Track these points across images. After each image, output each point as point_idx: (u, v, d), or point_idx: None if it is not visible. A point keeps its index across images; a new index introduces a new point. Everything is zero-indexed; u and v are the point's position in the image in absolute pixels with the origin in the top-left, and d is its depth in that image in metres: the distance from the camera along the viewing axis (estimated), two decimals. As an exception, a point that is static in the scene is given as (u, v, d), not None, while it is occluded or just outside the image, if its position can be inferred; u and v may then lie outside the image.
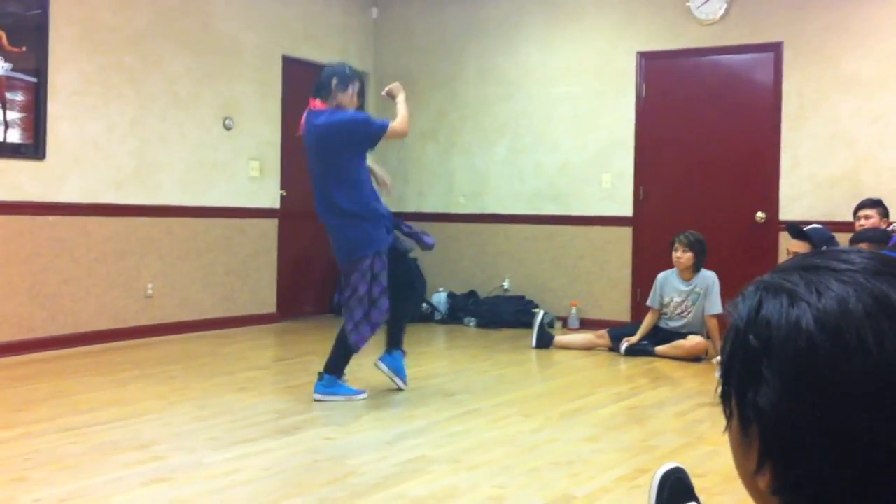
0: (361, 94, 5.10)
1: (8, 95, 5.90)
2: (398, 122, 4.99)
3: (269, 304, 7.90)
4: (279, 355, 6.60)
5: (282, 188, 8.04)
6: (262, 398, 4.91)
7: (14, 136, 5.97)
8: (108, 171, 6.53)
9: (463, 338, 7.39)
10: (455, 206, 8.55)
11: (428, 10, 8.65)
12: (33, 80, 6.04)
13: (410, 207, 8.76)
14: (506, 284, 8.23)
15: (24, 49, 5.98)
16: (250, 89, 7.67)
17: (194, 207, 7.21)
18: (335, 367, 4.87)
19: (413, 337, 7.34)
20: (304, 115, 4.91)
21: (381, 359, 5.06)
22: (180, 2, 7.06)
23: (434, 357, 6.65)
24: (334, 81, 4.88)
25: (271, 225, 7.92)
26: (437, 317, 8.16)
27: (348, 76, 4.96)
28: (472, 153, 8.47)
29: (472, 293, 8.27)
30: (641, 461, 3.77)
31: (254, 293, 7.75)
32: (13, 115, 5.93)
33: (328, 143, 4.78)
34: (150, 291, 6.84)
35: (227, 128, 7.48)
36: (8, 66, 5.89)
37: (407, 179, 8.80)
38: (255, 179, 7.77)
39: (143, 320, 6.81)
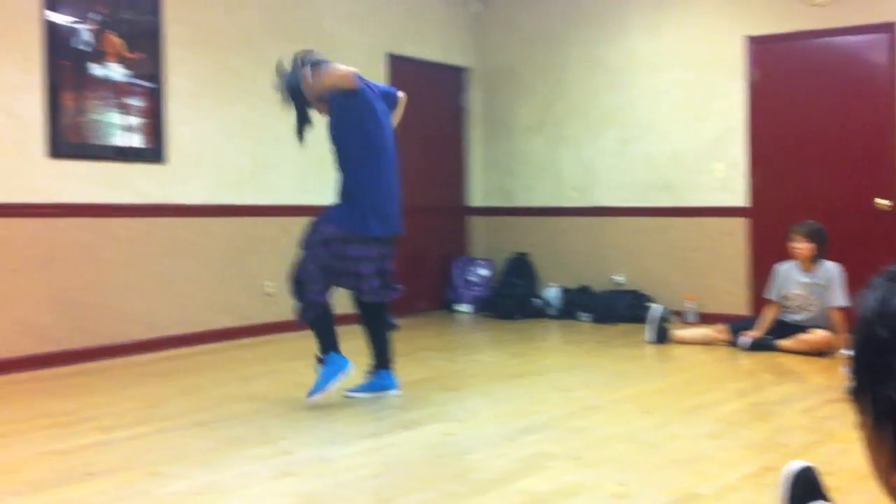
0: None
1: (127, 101, 6.12)
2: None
3: (382, 300, 7.98)
4: (396, 351, 6.66)
5: (392, 185, 8.11)
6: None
7: (136, 140, 6.18)
8: (225, 172, 6.71)
9: (577, 333, 7.34)
10: (564, 199, 8.49)
11: (530, 1, 8.61)
12: (150, 84, 6.23)
13: (519, 202, 8.75)
14: (619, 278, 8.14)
15: (141, 55, 6.18)
16: (359, 88, 7.75)
17: (308, 207, 7.33)
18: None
19: (527, 332, 7.38)
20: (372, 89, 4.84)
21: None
22: (287, 2, 7.19)
23: (549, 352, 6.63)
24: None
25: (383, 222, 7.99)
26: (551, 312, 8.13)
27: None
28: (580, 145, 8.40)
29: (584, 288, 8.20)
30: (768, 459, 3.68)
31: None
32: (134, 121, 6.14)
33: None
34: (269, 289, 7.01)
35: (337, 127, 7.57)
36: (128, 72, 6.10)
37: (514, 174, 8.78)
38: (366, 177, 7.84)
39: (265, 318, 6.98)
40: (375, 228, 4.64)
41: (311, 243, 4.68)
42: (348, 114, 4.65)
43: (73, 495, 3.23)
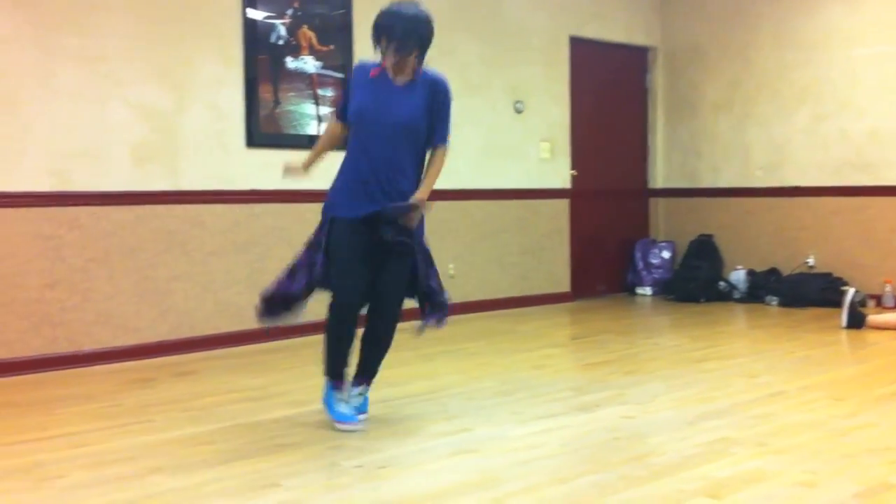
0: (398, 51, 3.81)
1: (319, 92, 6.38)
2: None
3: (562, 283, 8.00)
4: (574, 333, 6.67)
5: (572, 168, 8.10)
6: (560, 375, 4.99)
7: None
8: (409, 158, 6.88)
9: (764, 317, 7.10)
10: (752, 179, 8.22)
11: (719, -22, 8.35)
12: (340, 76, 6.47)
13: (704, 183, 8.54)
14: (810, 261, 7.81)
15: (331, 47, 6.42)
16: (539, 72, 7.78)
17: (489, 190, 7.44)
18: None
19: (710, 316, 7.19)
20: None
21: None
22: (472, -10, 7.29)
23: (734, 337, 6.45)
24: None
25: (563, 205, 8.00)
26: (736, 295, 7.90)
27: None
28: (769, 123, 8.10)
29: (773, 270, 7.92)
30: (971, 450, 3.47)
31: (548, 272, 7.89)
32: (325, 110, 6.40)
33: None
34: (451, 271, 7.15)
35: (518, 111, 7.64)
36: (319, 64, 6.36)
37: (700, 154, 8.56)
38: (546, 161, 7.87)
39: (446, 299, 7.12)
40: None
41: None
42: None
43: (263, 465, 3.42)
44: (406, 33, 3.82)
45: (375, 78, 3.89)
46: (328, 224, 3.86)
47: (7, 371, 5.04)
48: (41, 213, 5.21)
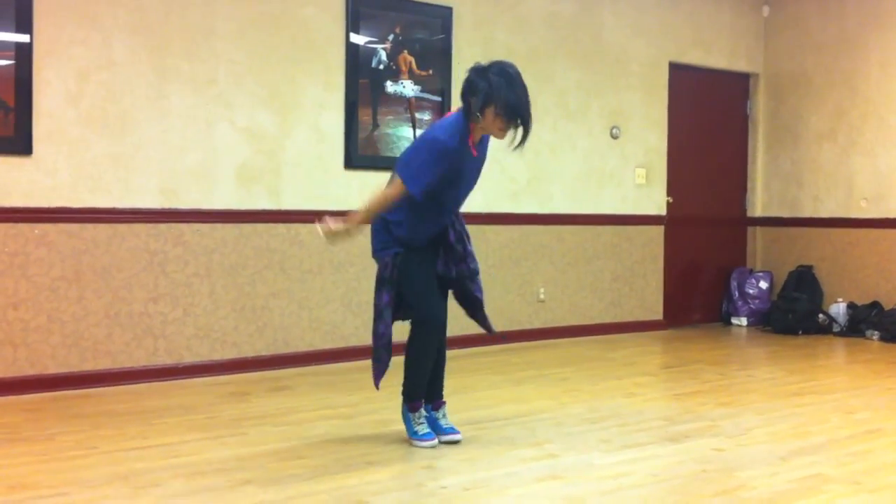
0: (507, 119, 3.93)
1: (417, 115, 6.48)
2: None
3: (655, 311, 7.92)
4: (666, 362, 6.60)
5: (668, 195, 8.03)
6: (651, 404, 4.95)
7: (422, 152, 6.52)
8: (504, 182, 6.93)
9: (865, 352, 6.90)
10: (855, 210, 8.01)
11: (824, 4, 8.18)
12: (438, 99, 6.57)
13: (805, 212, 8.35)
14: (915, 295, 7.58)
15: (430, 72, 6.53)
16: (637, 98, 7.75)
17: (583, 215, 7.43)
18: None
19: (808, 349, 7.03)
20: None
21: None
22: (571, 17, 7.31)
23: (832, 371, 6.30)
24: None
25: (657, 232, 7.93)
26: (836, 329, 7.70)
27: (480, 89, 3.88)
28: (875, 153, 7.89)
29: (874, 304, 7.69)
30: None
31: (640, 300, 7.82)
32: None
33: None
34: (542, 296, 7.16)
35: (615, 137, 7.61)
36: (417, 88, 6.47)
37: (801, 183, 8.39)
38: (642, 187, 7.82)
39: (536, 323, 7.13)
40: None
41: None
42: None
43: (351, 482, 3.49)
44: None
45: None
46: None
47: (110, 381, 5.25)
48: (149, 229, 5.42)
